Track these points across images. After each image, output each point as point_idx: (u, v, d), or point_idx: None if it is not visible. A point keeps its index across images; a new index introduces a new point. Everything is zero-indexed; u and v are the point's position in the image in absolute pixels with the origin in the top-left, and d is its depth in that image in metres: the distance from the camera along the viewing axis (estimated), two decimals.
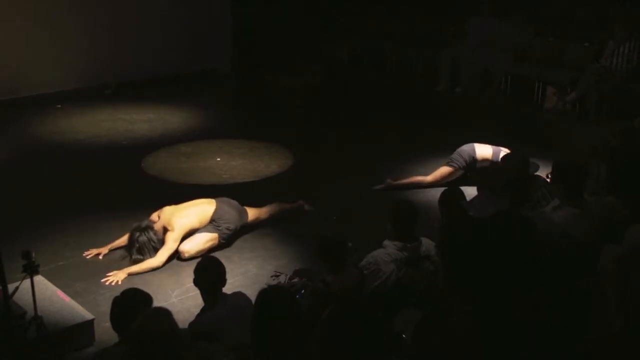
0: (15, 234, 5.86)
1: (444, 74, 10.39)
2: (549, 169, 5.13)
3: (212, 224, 5.90)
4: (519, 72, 9.78)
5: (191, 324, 4.18)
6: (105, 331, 4.53)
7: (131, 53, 10.76)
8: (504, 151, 7.04)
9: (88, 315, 4.75)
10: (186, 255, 5.75)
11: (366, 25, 11.79)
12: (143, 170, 7.71)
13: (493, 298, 2.12)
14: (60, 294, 4.98)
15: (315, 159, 8.08)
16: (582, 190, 4.71)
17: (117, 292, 4.01)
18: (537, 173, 6.05)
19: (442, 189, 5.49)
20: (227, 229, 5.92)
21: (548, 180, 5.42)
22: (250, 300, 4.08)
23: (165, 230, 5.78)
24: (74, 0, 10.33)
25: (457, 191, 5.26)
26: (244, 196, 6.41)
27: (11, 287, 4.20)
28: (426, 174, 7.28)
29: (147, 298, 3.80)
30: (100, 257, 5.79)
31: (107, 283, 5.39)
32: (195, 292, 4.54)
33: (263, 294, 3.35)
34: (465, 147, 7.18)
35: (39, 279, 4.72)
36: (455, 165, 7.13)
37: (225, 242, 5.94)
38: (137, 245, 5.66)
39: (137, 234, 5.68)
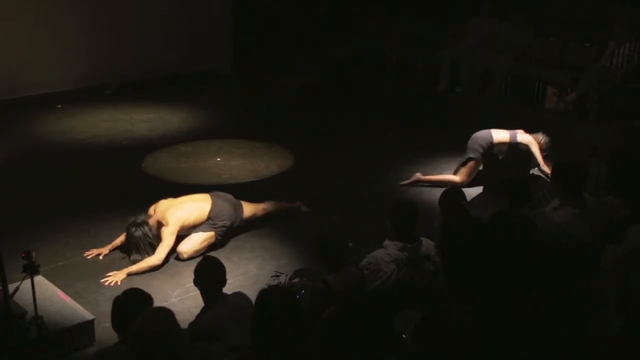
0: (15, 234, 5.86)
1: (444, 74, 10.41)
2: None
3: (208, 222, 5.90)
4: (519, 72, 9.79)
5: (191, 324, 4.18)
6: (105, 331, 4.53)
7: (131, 53, 10.75)
8: (520, 134, 7.04)
9: (88, 316, 4.75)
10: (185, 256, 5.76)
11: (366, 25, 11.80)
12: (143, 170, 7.70)
13: (493, 298, 2.12)
14: (61, 294, 4.98)
15: (315, 159, 8.08)
16: (582, 190, 4.71)
17: (118, 292, 4.00)
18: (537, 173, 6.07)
19: (442, 189, 5.49)
20: (224, 226, 5.94)
21: (548, 180, 5.43)
22: (250, 301, 4.08)
23: (160, 224, 5.77)
24: (74, 0, 10.33)
25: (457, 191, 5.27)
26: (244, 196, 6.40)
27: (11, 287, 4.21)
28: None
29: (147, 298, 3.80)
30: (101, 257, 5.80)
31: (106, 283, 5.40)
32: (195, 292, 4.54)
33: (263, 294, 3.34)
34: (481, 133, 7.13)
35: (39, 279, 4.72)
36: (476, 156, 7.07)
37: (221, 239, 5.96)
38: (133, 240, 5.66)
39: (133, 229, 5.68)
